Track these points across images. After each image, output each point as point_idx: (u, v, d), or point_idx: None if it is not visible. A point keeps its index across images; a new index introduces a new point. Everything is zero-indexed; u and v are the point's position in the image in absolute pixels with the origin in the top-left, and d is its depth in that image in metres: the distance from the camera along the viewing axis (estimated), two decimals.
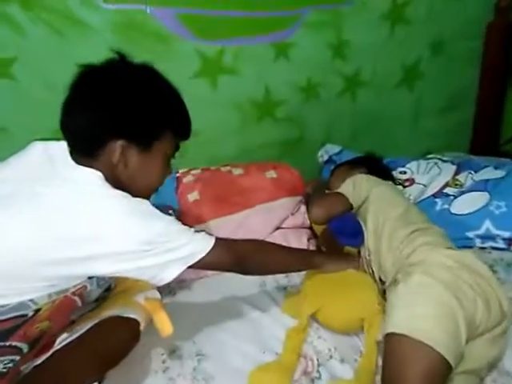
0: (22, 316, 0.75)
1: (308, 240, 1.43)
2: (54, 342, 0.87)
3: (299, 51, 1.73)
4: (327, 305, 1.08)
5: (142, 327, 0.95)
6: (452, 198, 1.51)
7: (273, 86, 1.76)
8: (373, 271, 1.19)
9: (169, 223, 0.82)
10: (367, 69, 1.88)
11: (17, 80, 1.45)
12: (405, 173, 1.65)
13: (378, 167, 1.52)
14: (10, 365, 0.76)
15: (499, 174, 1.51)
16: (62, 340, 0.88)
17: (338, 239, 1.21)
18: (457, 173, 1.57)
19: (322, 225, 1.28)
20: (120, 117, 0.80)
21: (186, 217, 1.44)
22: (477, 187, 1.50)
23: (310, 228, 1.47)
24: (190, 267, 0.84)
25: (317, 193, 1.44)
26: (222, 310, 1.20)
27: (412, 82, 2.00)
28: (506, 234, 1.40)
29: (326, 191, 1.42)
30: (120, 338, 0.91)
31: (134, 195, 0.81)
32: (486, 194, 1.46)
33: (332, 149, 1.82)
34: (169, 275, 0.82)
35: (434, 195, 1.54)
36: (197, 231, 0.87)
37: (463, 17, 1.94)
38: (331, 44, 1.78)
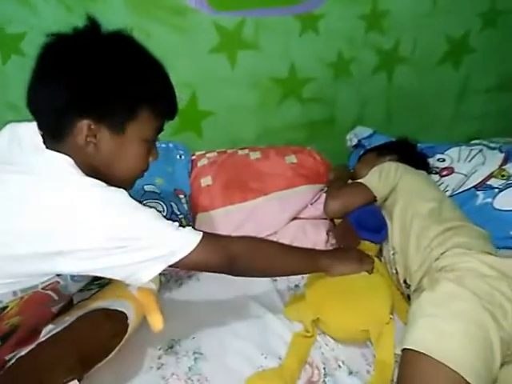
0: None
1: (327, 233, 1.32)
2: (39, 332, 0.83)
3: (328, 23, 1.61)
4: (326, 314, 0.98)
5: (129, 321, 0.90)
6: (496, 190, 1.33)
7: (298, 63, 1.65)
8: (396, 272, 1.07)
9: (147, 217, 0.74)
10: (406, 43, 1.74)
11: (27, 56, 1.43)
12: (443, 160, 1.49)
13: (411, 154, 1.39)
14: None
15: None
16: (48, 331, 0.84)
17: (358, 233, 1.12)
18: (504, 162, 1.39)
19: (338, 219, 1.16)
20: (85, 92, 0.72)
21: (195, 203, 1.37)
22: None
23: (332, 219, 1.35)
24: (171, 266, 0.76)
25: (336, 182, 1.31)
26: (227, 305, 1.13)
27: (458, 57, 1.85)
28: None
29: (349, 181, 1.30)
30: (103, 334, 0.85)
31: (113, 183, 0.74)
32: None
33: (362, 132, 1.69)
34: (145, 275, 0.74)
35: (476, 187, 1.37)
36: (182, 226, 0.78)
37: None
38: (365, 15, 1.64)
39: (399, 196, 1.14)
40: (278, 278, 1.20)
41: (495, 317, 0.78)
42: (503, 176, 1.35)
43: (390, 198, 1.17)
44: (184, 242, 0.76)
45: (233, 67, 1.58)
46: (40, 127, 0.75)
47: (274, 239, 1.28)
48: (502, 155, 1.42)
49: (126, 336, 0.91)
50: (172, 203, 1.30)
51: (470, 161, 1.44)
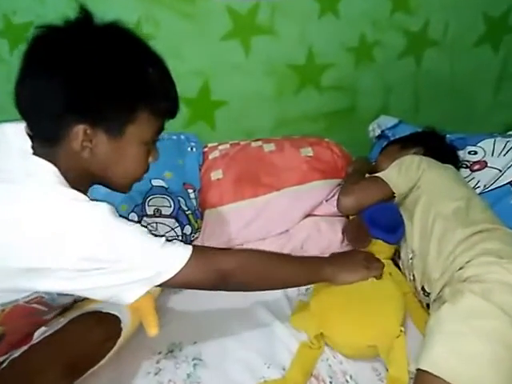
0: None
1: (343, 231, 1.23)
2: (32, 334, 0.82)
3: (349, 4, 1.56)
4: (330, 329, 0.91)
5: (123, 324, 0.87)
6: None
7: (317, 48, 1.60)
8: (414, 278, 0.98)
9: (130, 236, 0.69)
10: (437, 24, 1.65)
11: None
12: (475, 153, 1.36)
13: (438, 146, 1.27)
14: None
15: None
16: (41, 333, 0.83)
17: (371, 231, 1.04)
18: None
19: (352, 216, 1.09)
20: (79, 94, 0.66)
21: (204, 197, 1.32)
22: None
23: (348, 217, 1.27)
24: (159, 286, 0.71)
25: (353, 176, 1.23)
26: (233, 309, 1.08)
27: (497, 38, 1.75)
28: None
29: (367, 175, 1.20)
30: (95, 338, 0.82)
31: (110, 188, 0.74)
32: None
33: (386, 121, 1.58)
34: (129, 297, 0.69)
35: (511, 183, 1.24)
36: (169, 240, 0.73)
37: None
38: None
39: (421, 193, 1.04)
40: None
41: None
42: None
43: (412, 195, 1.07)
44: (171, 261, 0.71)
45: (247, 54, 1.54)
46: (30, 129, 0.70)
47: (287, 237, 1.22)
48: None
49: (121, 339, 0.88)
50: (180, 198, 1.26)
51: (505, 154, 1.30)
